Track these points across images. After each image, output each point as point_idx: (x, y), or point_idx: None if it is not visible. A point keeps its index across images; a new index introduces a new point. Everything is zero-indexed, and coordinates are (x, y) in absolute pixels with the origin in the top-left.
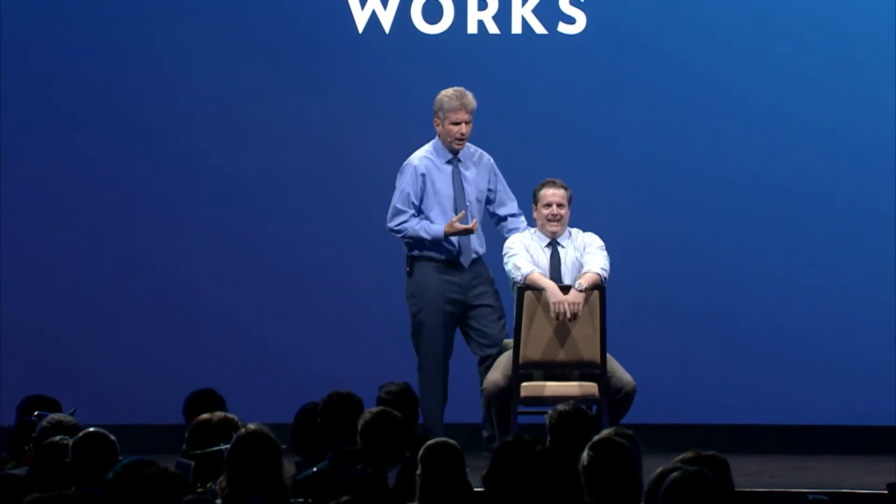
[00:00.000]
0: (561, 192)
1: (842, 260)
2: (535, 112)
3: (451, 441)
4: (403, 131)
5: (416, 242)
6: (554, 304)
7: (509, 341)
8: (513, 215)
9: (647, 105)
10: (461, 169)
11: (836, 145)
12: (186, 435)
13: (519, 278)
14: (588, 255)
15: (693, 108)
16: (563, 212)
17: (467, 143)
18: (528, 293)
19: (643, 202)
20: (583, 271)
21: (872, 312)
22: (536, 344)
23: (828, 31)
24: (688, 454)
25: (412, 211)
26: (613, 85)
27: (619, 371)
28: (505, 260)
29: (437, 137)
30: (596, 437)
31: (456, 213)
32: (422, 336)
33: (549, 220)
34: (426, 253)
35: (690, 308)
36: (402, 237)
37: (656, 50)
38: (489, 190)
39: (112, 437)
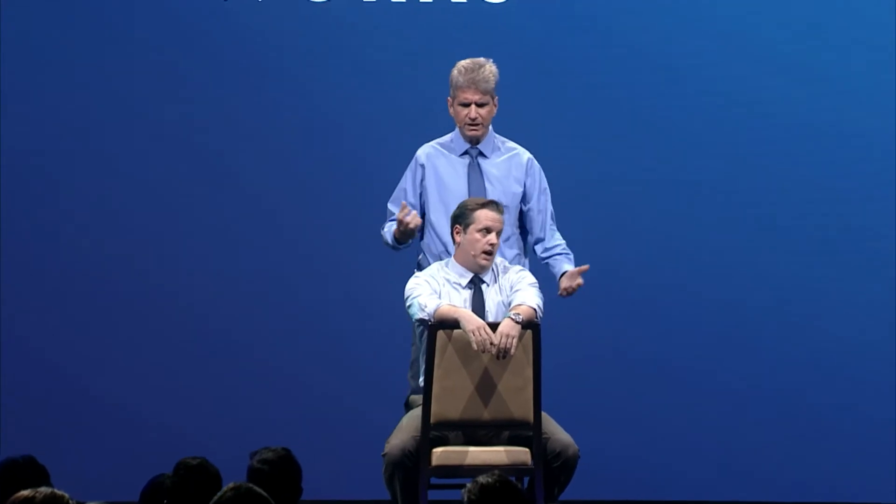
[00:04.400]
0: (501, 217)
1: (841, 314)
2: (447, 95)
3: None
4: (277, 120)
5: (421, 258)
6: (472, 332)
7: (417, 397)
8: (550, 250)
9: (584, 87)
10: (480, 163)
11: (834, 145)
12: None
13: (426, 317)
14: (517, 293)
15: (639, 88)
16: (498, 242)
17: (498, 136)
18: (440, 334)
19: (578, 205)
20: (515, 303)
21: (870, 363)
22: (452, 399)
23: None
24: None
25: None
26: (544, 63)
27: (558, 432)
28: (408, 304)
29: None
30: None
31: None
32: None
33: (484, 253)
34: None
35: (648, 355)
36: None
37: (595, 22)
38: (523, 200)
39: None
